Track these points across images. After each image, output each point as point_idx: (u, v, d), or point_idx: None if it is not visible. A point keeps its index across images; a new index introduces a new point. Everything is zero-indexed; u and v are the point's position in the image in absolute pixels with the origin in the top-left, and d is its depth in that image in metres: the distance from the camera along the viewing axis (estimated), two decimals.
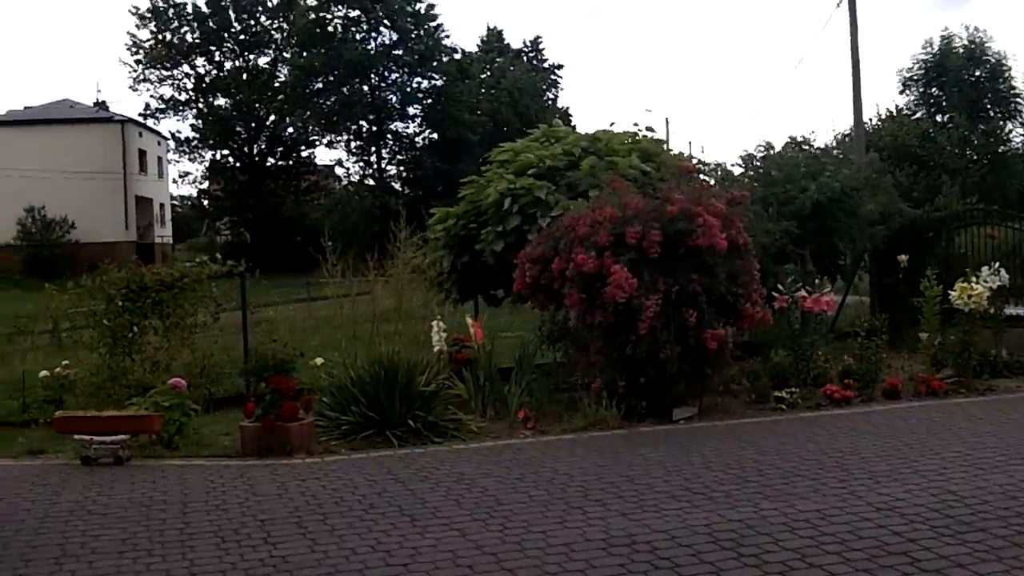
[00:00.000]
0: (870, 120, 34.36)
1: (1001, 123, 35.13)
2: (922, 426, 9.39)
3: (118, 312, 13.19)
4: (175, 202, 71.30)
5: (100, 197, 54.64)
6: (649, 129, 14.41)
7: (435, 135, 59.04)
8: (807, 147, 15.73)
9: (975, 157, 33.18)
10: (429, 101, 59.21)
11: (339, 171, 64.72)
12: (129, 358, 13.18)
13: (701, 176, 13.42)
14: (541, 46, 68.14)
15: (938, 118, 35.48)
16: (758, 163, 15.82)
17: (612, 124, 14.48)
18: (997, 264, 13.32)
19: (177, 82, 62.59)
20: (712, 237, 9.98)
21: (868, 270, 17.07)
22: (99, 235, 52.01)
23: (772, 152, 15.85)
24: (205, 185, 66.70)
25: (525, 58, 66.82)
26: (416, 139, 61.05)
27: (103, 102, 61.94)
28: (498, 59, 64.56)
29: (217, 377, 13.48)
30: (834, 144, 15.85)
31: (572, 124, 63.33)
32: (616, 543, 5.96)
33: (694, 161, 13.28)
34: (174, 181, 62.80)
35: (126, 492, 7.81)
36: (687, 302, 10.19)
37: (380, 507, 7.02)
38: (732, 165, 16.26)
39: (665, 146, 13.99)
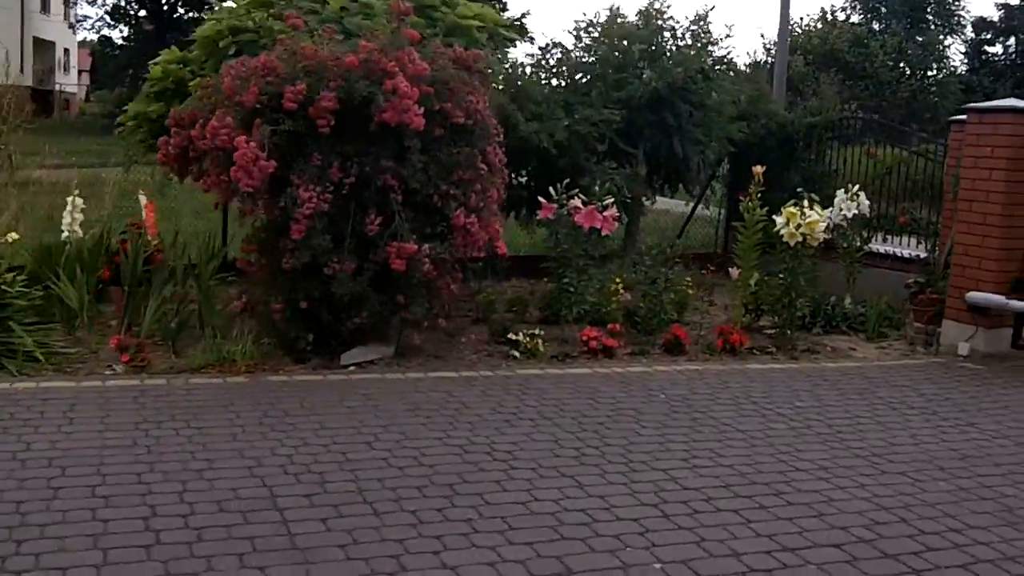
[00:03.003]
0: (799, 20, 31.20)
1: (940, 38, 31.81)
2: (659, 413, 6.42)
3: None
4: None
5: None
6: None
7: None
8: (661, 19, 12.40)
9: (908, 71, 30.10)
10: None
11: None
12: None
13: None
14: None
15: (875, 26, 32.26)
16: (590, 34, 12.49)
17: None
18: (856, 187, 10.43)
19: None
20: (402, 110, 6.82)
21: (724, 181, 14.05)
22: None
23: (613, 22, 12.52)
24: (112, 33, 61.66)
25: None
26: None
27: None
28: None
29: None
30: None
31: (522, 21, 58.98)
32: None
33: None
34: (70, 26, 57.32)
35: None
36: (376, 202, 7.15)
37: None
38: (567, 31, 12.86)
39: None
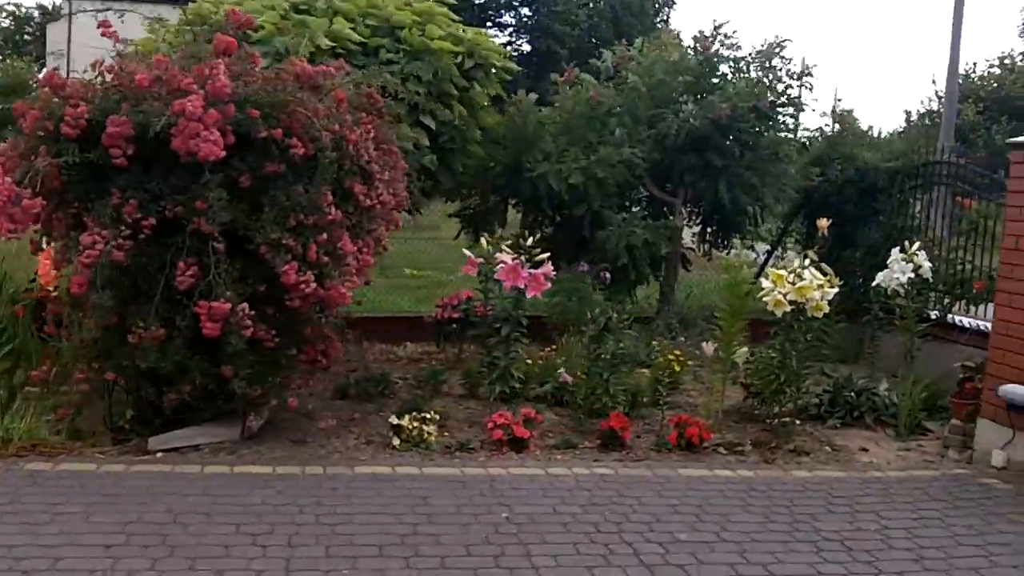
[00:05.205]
0: (971, 66, 28.36)
1: None
2: (459, 544, 4.73)
3: None
4: None
5: None
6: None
7: (527, 47, 53.97)
8: (723, 47, 10.60)
9: None
10: (525, 10, 54.06)
11: None
12: None
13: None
14: None
15: None
16: (628, 68, 10.79)
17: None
18: (916, 246, 8.43)
19: None
20: (189, 136, 5.46)
21: (797, 235, 12.05)
22: None
23: (652, 54, 10.80)
24: None
25: None
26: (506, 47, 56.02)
27: None
28: None
29: None
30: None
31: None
32: None
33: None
34: None
35: None
36: (196, 250, 5.82)
37: None
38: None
39: (465, 29, 9.13)
